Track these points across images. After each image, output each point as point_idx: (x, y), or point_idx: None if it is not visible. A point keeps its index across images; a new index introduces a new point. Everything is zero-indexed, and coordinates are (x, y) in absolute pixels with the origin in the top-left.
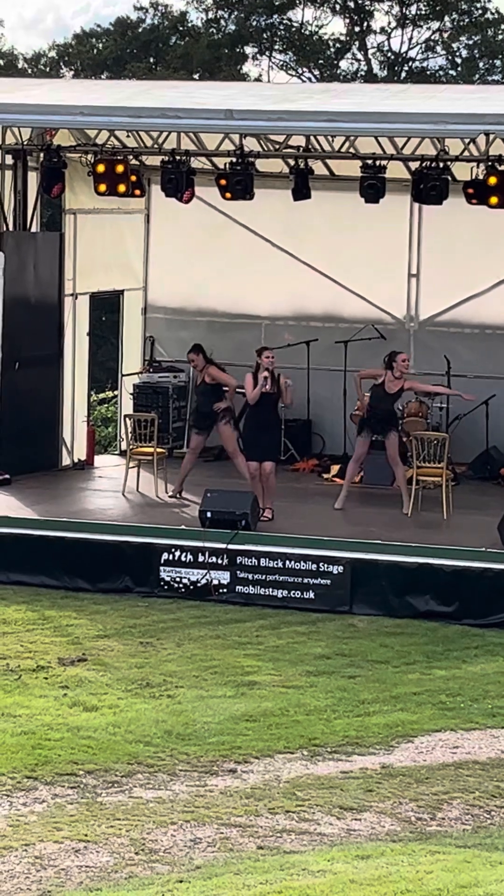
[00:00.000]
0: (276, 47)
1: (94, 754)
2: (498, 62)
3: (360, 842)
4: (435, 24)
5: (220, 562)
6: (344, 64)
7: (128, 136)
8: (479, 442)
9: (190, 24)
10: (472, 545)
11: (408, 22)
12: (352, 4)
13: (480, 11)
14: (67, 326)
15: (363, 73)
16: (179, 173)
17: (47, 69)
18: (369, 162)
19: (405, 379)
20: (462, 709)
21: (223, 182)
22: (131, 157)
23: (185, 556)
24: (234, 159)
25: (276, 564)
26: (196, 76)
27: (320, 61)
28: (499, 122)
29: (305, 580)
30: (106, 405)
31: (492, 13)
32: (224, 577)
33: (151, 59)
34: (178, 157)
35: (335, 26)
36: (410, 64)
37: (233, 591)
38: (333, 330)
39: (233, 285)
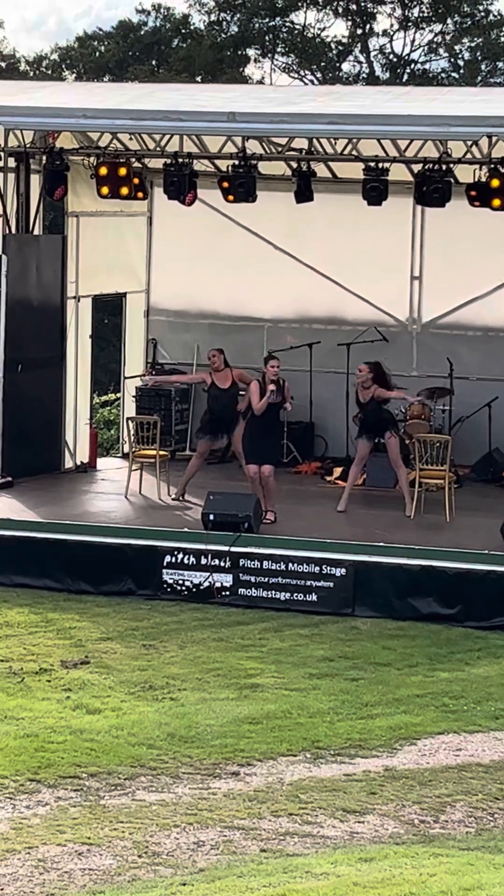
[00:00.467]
0: (279, 50)
1: (97, 757)
2: (501, 64)
3: (364, 844)
4: (437, 27)
5: (222, 564)
6: (346, 66)
7: (130, 139)
8: (481, 444)
9: (192, 27)
10: (475, 547)
11: (410, 24)
12: (354, 7)
13: (483, 14)
14: (70, 329)
15: (365, 75)
16: (182, 176)
17: (49, 72)
18: (372, 164)
19: (375, 388)
20: (465, 711)
21: (226, 184)
22: (134, 159)
23: (188, 559)
24: (237, 162)
25: (279, 567)
26: (198, 79)
27: (322, 64)
28: (501, 125)
29: (308, 582)
30: (108, 408)
31: (494, 15)
32: (227, 579)
33: (154, 62)
34: (180, 160)
35: (337, 29)
36: (413, 66)
37: (235, 593)
38: (336, 332)
39: (235, 288)
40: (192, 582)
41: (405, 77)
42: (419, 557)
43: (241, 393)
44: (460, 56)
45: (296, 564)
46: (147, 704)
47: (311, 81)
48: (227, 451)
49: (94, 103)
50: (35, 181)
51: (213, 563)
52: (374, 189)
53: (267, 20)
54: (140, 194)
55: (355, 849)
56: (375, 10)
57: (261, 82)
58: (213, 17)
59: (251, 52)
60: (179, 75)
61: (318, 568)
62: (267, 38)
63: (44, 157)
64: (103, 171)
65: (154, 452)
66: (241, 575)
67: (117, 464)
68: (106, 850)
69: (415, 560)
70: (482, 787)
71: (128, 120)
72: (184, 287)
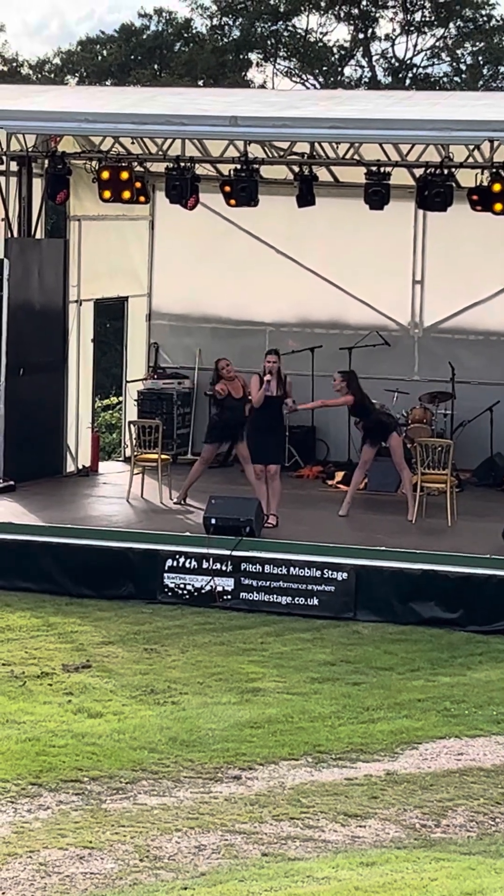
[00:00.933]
0: (281, 54)
1: (99, 761)
2: (502, 69)
3: (365, 849)
4: (439, 31)
5: (224, 568)
6: (348, 71)
7: (132, 143)
8: (483, 448)
9: (194, 31)
10: (477, 552)
11: (412, 29)
12: (356, 11)
13: (485, 18)
14: (72, 333)
15: (367, 79)
16: (184, 180)
17: (51, 76)
18: (374, 168)
19: (346, 393)
20: (467, 716)
21: (227, 188)
22: (136, 163)
23: (190, 563)
24: (239, 166)
25: (281, 571)
26: (200, 83)
27: (324, 68)
28: (503, 129)
29: (310, 587)
30: (110, 412)
31: (497, 20)
32: (228, 583)
33: (156, 66)
34: (182, 164)
35: (339, 33)
36: (415, 71)
37: (237, 597)
38: (338, 336)
39: (237, 292)
40: (193, 586)
41: (407, 81)
42: (421, 562)
43: (250, 398)
44: (462, 60)
45: (297, 568)
46: (148, 708)
47: (313, 86)
48: (228, 454)
49: (97, 107)
50: (37, 185)
51: (214, 567)
52: (376, 193)
53: (269, 24)
54: (142, 198)
55: (357, 853)
56: (378, 15)
57: (263, 86)
58: (215, 22)
59: (253, 57)
60: (181, 79)
61: (319, 572)
62: (269, 42)
63: (46, 161)
64: (105, 174)
65: (156, 456)
66: (242, 579)
67: (119, 467)
68: (107, 853)
69: (416, 564)
70: (484, 791)
71: (130, 124)
72: (186, 291)
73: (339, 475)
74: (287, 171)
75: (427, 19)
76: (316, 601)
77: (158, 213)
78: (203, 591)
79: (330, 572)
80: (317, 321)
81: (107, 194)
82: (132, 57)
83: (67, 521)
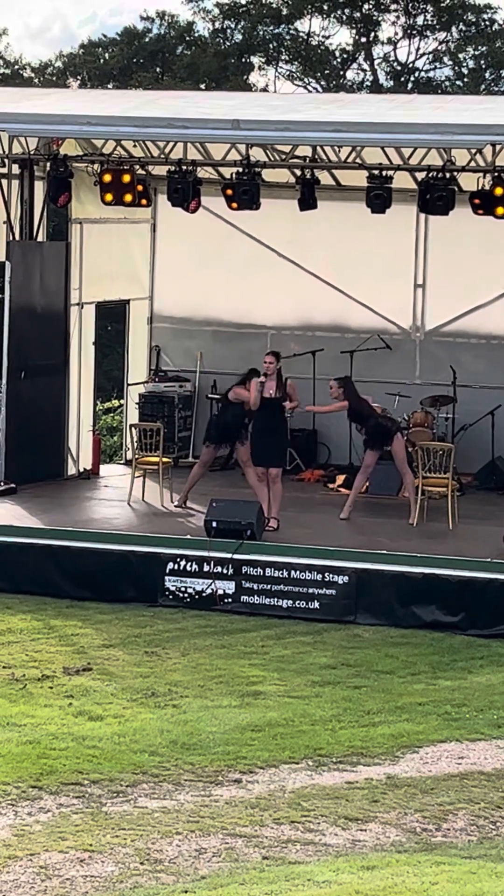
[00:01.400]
0: (283, 58)
1: (99, 764)
2: None
3: (366, 852)
4: (442, 35)
5: (225, 571)
6: (350, 74)
7: (134, 146)
8: (484, 452)
9: (196, 34)
10: (478, 555)
11: (414, 32)
12: (358, 15)
13: (487, 23)
14: (73, 336)
15: (369, 83)
16: (186, 183)
17: (54, 79)
18: (376, 172)
19: (342, 399)
20: (467, 719)
21: (229, 192)
22: (138, 166)
23: (191, 566)
24: (241, 169)
25: (282, 574)
26: (202, 86)
27: (326, 72)
28: None
29: (311, 590)
30: (111, 414)
31: (499, 24)
32: (229, 586)
33: (158, 69)
34: (184, 167)
35: (342, 37)
36: (417, 75)
37: (238, 600)
38: (339, 340)
39: (239, 295)
40: (194, 589)
41: (409, 85)
42: (422, 565)
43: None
44: (464, 65)
45: (298, 572)
46: (149, 711)
47: (315, 89)
48: (229, 458)
49: (99, 110)
50: (39, 188)
51: (215, 571)
52: (378, 197)
53: (271, 28)
54: (144, 201)
55: (357, 857)
56: (380, 18)
57: (265, 90)
58: (217, 25)
59: (255, 60)
60: (183, 82)
61: (320, 575)
62: (271, 45)
63: (48, 164)
64: (107, 177)
65: (157, 459)
66: (243, 582)
67: (120, 470)
68: (108, 857)
69: (417, 568)
70: (484, 795)
71: (132, 127)
72: (187, 294)
73: (341, 479)
74: (289, 174)
75: (429, 23)
76: (317, 604)
77: (160, 216)
78: (204, 595)
79: (331, 576)
80: (318, 324)
81: (108, 197)
82: (134, 60)
83: (68, 524)
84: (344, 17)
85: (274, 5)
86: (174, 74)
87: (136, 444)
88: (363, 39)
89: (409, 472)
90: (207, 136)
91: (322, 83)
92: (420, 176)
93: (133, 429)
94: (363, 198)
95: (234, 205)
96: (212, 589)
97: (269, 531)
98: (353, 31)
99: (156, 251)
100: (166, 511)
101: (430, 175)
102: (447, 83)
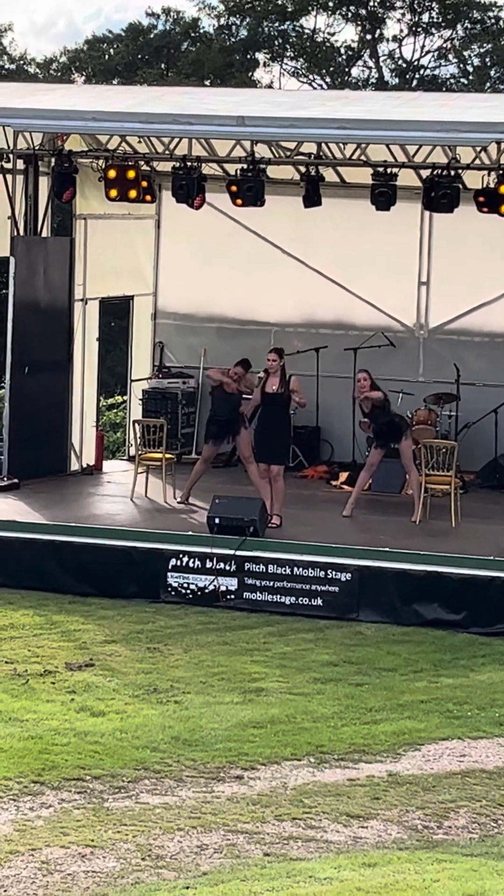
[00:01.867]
0: (288, 54)
1: (101, 759)
2: None
3: (367, 849)
4: (447, 33)
5: (227, 568)
6: (355, 71)
7: (139, 142)
8: (487, 450)
9: (201, 31)
10: (480, 553)
11: (420, 30)
12: (364, 12)
13: (493, 20)
14: (77, 331)
15: (374, 80)
16: (190, 179)
17: (58, 75)
18: (380, 169)
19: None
20: (469, 717)
21: (234, 188)
22: (142, 162)
23: (193, 562)
24: (245, 166)
25: (284, 571)
26: (207, 82)
27: (332, 68)
28: None
29: (313, 587)
30: (115, 410)
31: None
32: (232, 583)
33: (163, 65)
34: (189, 163)
35: (347, 34)
36: (422, 72)
37: (240, 597)
38: (343, 337)
39: (243, 292)
40: (196, 585)
41: (414, 82)
42: (424, 563)
43: (245, 397)
44: (469, 62)
45: (301, 569)
46: (151, 707)
47: (320, 86)
48: (232, 454)
49: (103, 106)
50: (44, 183)
51: (218, 567)
52: (383, 194)
53: (276, 24)
54: (148, 197)
55: (359, 854)
56: (385, 16)
57: (270, 87)
58: (222, 21)
59: (260, 57)
60: (188, 79)
61: (323, 572)
62: (276, 42)
63: (52, 160)
64: (112, 173)
65: (160, 455)
66: (246, 579)
67: (123, 466)
68: (109, 852)
69: (420, 566)
70: (486, 793)
71: (137, 123)
72: (191, 290)
73: (344, 476)
74: (294, 171)
75: (434, 20)
76: (319, 601)
77: (164, 212)
78: (206, 591)
79: (333, 573)
80: (322, 321)
81: (113, 193)
82: (139, 56)
83: (71, 520)
84: (349, 14)
85: (279, 2)
86: (179, 71)
87: (139, 441)
88: (368, 36)
89: (414, 469)
90: (212, 132)
91: (327, 80)
92: (425, 173)
93: (136, 425)
94: (368, 195)
95: (239, 201)
96: (214, 585)
97: (272, 528)
98: (359, 28)
99: (160, 247)
100: (169, 507)
101: (434, 173)
102: (452, 81)
